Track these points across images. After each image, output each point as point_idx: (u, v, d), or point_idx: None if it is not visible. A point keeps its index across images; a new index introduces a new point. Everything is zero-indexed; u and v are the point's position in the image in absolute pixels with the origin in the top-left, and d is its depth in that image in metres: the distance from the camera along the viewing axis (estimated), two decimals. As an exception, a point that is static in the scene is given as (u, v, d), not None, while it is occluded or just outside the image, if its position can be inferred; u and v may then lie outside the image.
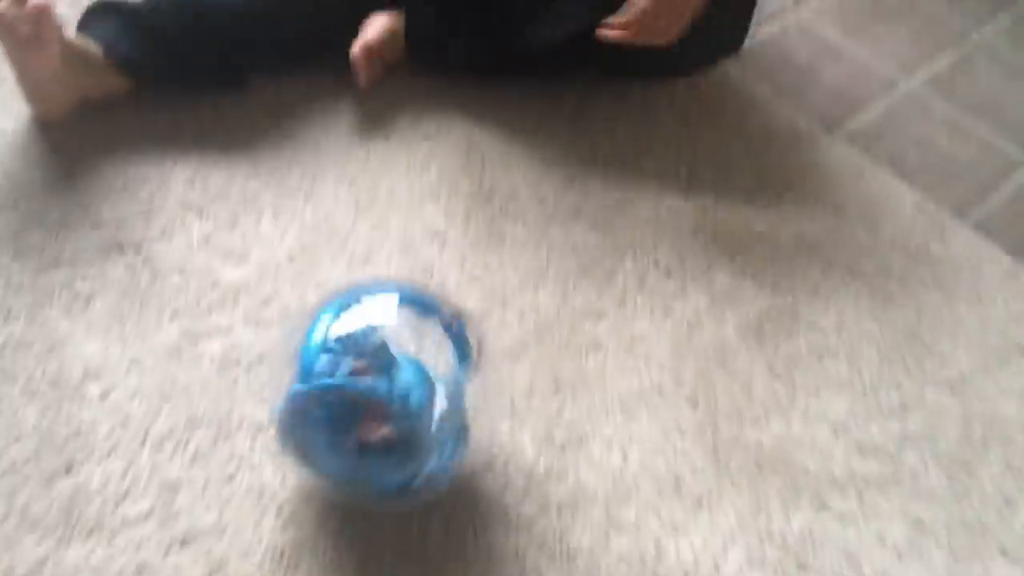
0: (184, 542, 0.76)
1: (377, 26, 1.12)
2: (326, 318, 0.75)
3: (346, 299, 0.77)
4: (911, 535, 0.85)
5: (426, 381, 0.74)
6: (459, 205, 1.05)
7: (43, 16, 0.91)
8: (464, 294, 0.96)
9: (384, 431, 0.72)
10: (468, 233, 1.02)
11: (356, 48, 1.10)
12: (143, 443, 0.81)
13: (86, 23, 1.05)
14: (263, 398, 0.84)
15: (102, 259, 0.93)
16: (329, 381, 0.72)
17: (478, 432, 0.78)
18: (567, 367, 0.93)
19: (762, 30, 1.36)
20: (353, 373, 0.72)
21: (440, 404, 0.73)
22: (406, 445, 0.74)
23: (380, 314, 0.77)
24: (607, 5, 1.04)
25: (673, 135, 1.17)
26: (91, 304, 0.90)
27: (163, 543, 0.76)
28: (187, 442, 0.82)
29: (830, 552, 0.83)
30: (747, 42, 1.30)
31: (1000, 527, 0.87)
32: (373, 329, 0.74)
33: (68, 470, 0.79)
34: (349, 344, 0.73)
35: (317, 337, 0.73)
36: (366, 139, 1.10)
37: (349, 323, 0.75)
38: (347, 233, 1.00)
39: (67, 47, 0.98)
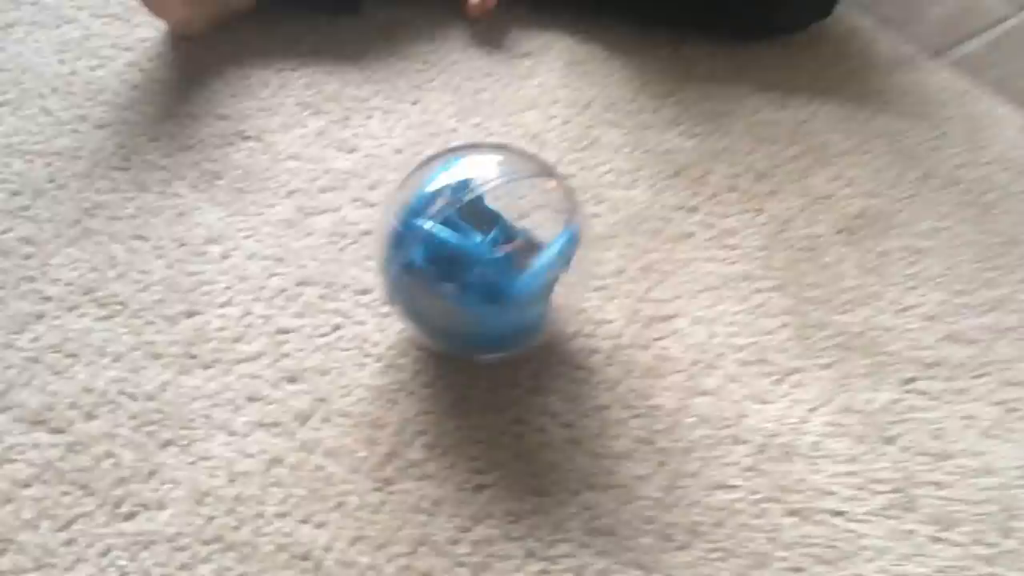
0: (292, 379, 0.82)
1: None
2: (433, 170, 0.79)
3: (454, 156, 0.81)
4: (1001, 416, 0.84)
5: (524, 237, 0.78)
6: (558, 112, 1.09)
7: None
8: (559, 185, 1.00)
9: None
10: (565, 135, 1.06)
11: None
12: (257, 297, 0.88)
13: None
14: (367, 266, 0.90)
15: (226, 145, 1.01)
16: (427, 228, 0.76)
17: (570, 296, 0.81)
18: (657, 253, 0.95)
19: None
20: (452, 220, 0.76)
21: (538, 262, 0.77)
22: (500, 296, 0.77)
23: (485, 169, 0.81)
24: None
25: (771, 59, 1.19)
26: (215, 181, 0.97)
27: (272, 378, 0.82)
28: (298, 296, 0.88)
29: (916, 428, 0.83)
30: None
31: (1098, 418, 0.85)
32: (477, 182, 0.78)
33: (190, 314, 0.86)
34: (452, 194, 0.78)
35: (423, 187, 0.78)
36: (471, 55, 1.15)
37: (454, 175, 0.79)
38: (449, 132, 1.05)
39: None
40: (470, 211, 0.77)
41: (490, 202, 0.78)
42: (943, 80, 1.19)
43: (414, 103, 1.09)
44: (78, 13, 1.13)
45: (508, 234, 0.77)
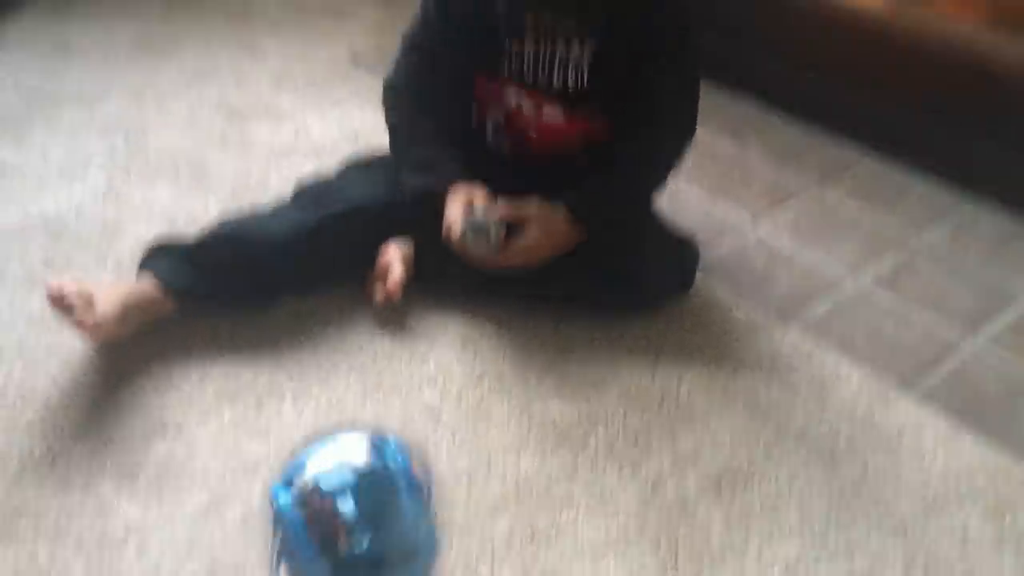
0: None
1: (396, 264, 1.32)
2: (300, 457, 0.92)
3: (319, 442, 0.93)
4: (855, 658, 0.93)
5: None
6: (452, 387, 1.22)
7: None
8: (454, 458, 1.11)
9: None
10: (460, 408, 1.19)
11: (388, 290, 1.30)
12: (171, 588, 0.95)
13: (144, 263, 1.27)
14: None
15: (148, 438, 1.11)
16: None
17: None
18: (543, 519, 1.06)
19: (723, 243, 1.57)
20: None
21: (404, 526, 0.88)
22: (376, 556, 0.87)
23: (351, 451, 0.92)
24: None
25: (641, 329, 1.35)
26: (136, 476, 1.06)
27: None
28: (209, 586, 0.95)
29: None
30: (709, 252, 1.52)
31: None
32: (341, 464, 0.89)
33: (106, 612, 0.92)
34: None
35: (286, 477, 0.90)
36: (374, 339, 1.29)
37: (321, 462, 0.91)
38: (354, 412, 1.17)
39: (128, 300, 1.19)
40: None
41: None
42: (792, 343, 1.36)
43: (322, 387, 1.21)
44: (15, 321, 1.25)
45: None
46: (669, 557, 1.03)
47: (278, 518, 0.89)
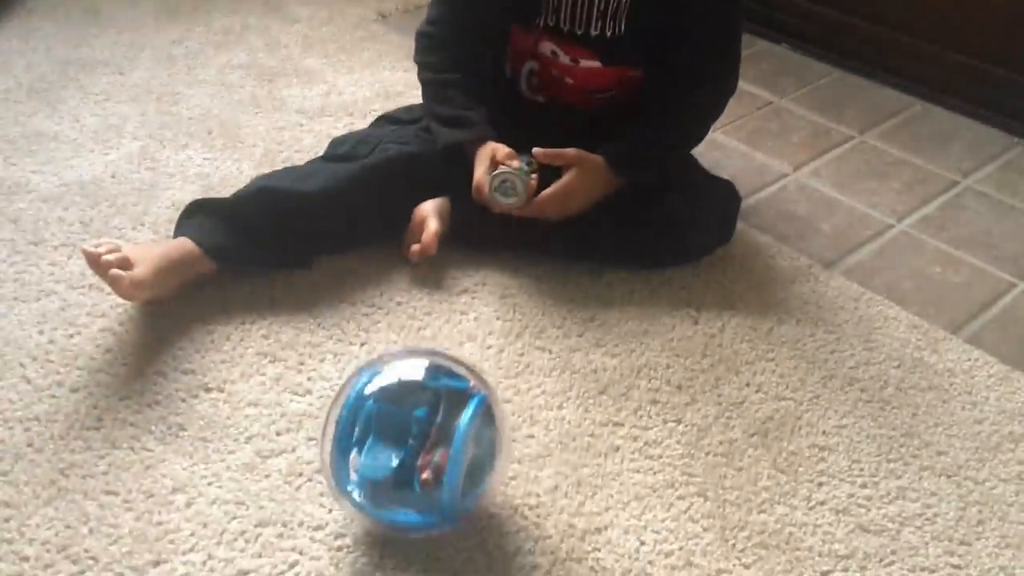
0: (252, 617, 0.88)
1: (432, 218, 1.30)
2: (362, 378, 0.93)
3: (379, 363, 0.95)
4: (911, 601, 0.92)
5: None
6: (493, 342, 1.21)
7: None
8: (496, 412, 1.10)
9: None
10: (501, 363, 1.18)
11: (422, 244, 1.28)
12: (219, 541, 0.95)
13: (181, 225, 1.27)
14: (321, 502, 0.99)
15: (191, 398, 1.11)
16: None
17: (494, 480, 0.94)
18: (587, 469, 1.05)
19: (764, 190, 1.54)
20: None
21: (462, 454, 0.89)
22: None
23: (410, 371, 0.95)
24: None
25: (682, 280, 1.33)
26: (180, 433, 1.06)
27: (234, 619, 0.88)
28: (257, 538, 0.95)
29: (834, 618, 0.90)
30: (751, 199, 1.49)
31: (1001, 595, 0.93)
32: (405, 383, 0.93)
33: (156, 564, 0.93)
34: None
35: (352, 393, 0.92)
36: (413, 296, 1.28)
37: (382, 380, 0.93)
38: (396, 369, 1.16)
39: (165, 260, 1.18)
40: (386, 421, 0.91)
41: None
42: (837, 288, 1.34)
43: (362, 345, 1.20)
44: (56, 286, 1.25)
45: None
46: (716, 504, 1.01)
47: (358, 406, 0.92)
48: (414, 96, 1.42)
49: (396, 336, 1.22)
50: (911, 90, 1.83)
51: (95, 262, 1.12)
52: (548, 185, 1.26)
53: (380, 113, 1.52)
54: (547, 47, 1.34)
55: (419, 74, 1.40)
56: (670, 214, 1.30)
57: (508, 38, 1.38)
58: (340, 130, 1.60)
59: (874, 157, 1.65)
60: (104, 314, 1.21)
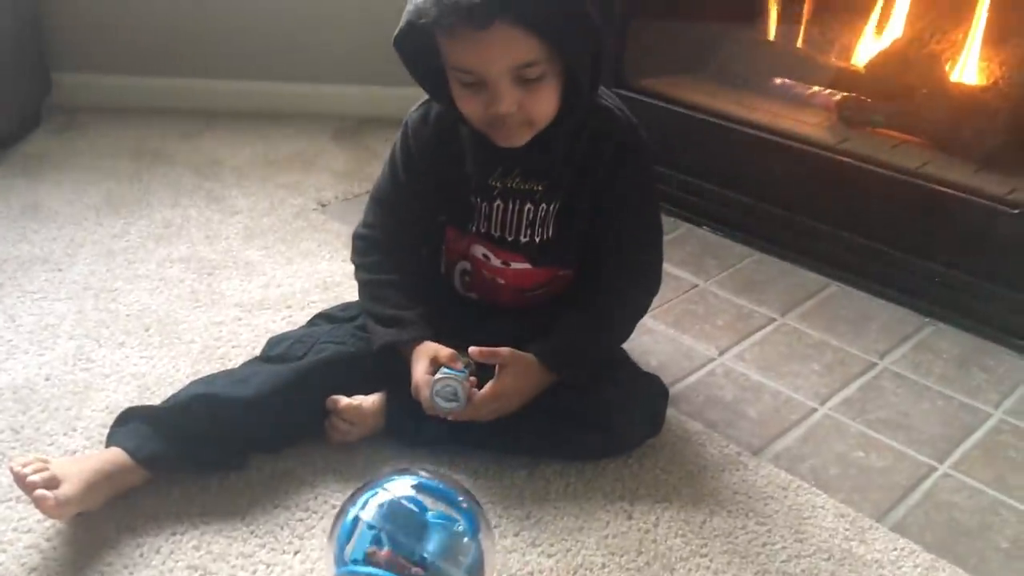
0: None
1: (361, 402, 1.34)
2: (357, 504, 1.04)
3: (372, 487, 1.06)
4: None
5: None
6: (428, 546, 1.21)
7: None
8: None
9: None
10: (436, 570, 1.17)
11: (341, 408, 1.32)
12: None
13: (113, 434, 1.26)
14: None
15: (117, 620, 1.08)
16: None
17: None
18: None
19: (690, 376, 1.59)
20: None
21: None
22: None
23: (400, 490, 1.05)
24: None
25: (615, 472, 1.35)
26: (105, 660, 1.03)
27: None
28: None
29: None
30: (680, 385, 1.54)
31: None
32: (396, 502, 1.03)
33: None
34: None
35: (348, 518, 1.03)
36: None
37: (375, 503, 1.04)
38: (330, 579, 1.15)
39: (95, 475, 1.17)
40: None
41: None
42: (766, 476, 1.37)
43: (296, 553, 1.19)
44: (-19, 502, 1.23)
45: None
46: None
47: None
48: (351, 288, 1.46)
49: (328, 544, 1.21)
50: (826, 272, 1.93)
51: (21, 482, 1.11)
52: (483, 381, 1.29)
53: (318, 305, 1.56)
54: (479, 250, 1.41)
55: (356, 274, 1.44)
56: (601, 410, 1.34)
57: (443, 237, 1.44)
58: (279, 323, 1.63)
59: (795, 339, 1.72)
60: (31, 529, 1.19)
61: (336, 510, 1.23)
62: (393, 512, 1.04)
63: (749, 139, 1.98)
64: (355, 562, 1.01)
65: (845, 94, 2.04)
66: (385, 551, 1.01)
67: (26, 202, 2.01)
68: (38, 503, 1.11)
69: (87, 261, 1.81)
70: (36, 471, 1.12)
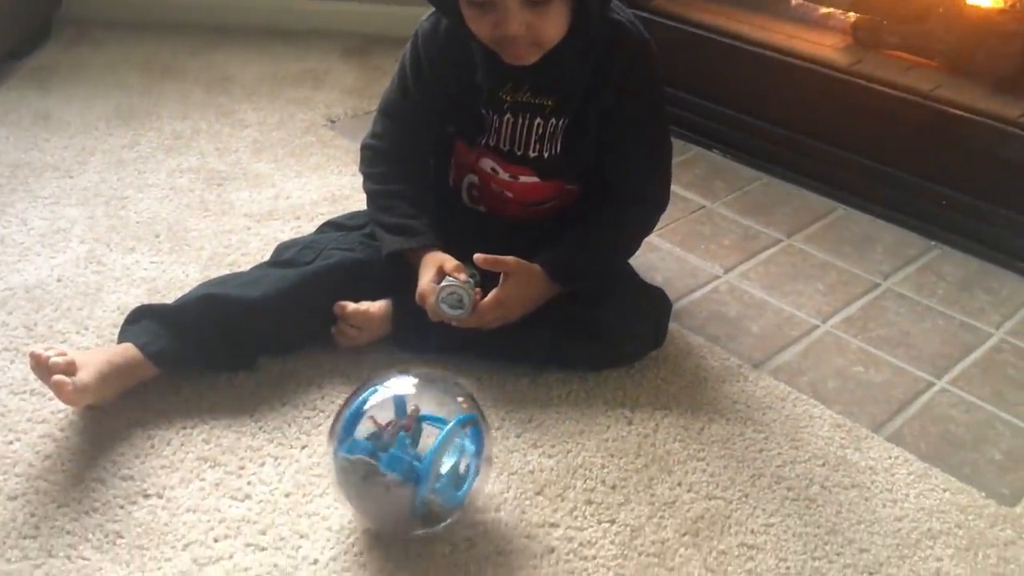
0: None
1: (369, 307, 1.36)
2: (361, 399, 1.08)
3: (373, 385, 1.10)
4: None
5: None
6: (432, 444, 1.23)
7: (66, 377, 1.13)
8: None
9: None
10: (439, 466, 1.20)
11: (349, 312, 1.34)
12: (154, 651, 0.95)
13: (125, 331, 1.29)
14: (258, 610, 0.99)
15: (130, 504, 1.11)
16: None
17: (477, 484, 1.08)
18: (523, 572, 1.07)
19: (695, 292, 1.61)
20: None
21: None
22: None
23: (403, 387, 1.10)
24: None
25: (617, 381, 1.37)
26: (118, 541, 1.07)
27: None
28: (191, 648, 0.95)
29: None
30: (683, 301, 1.55)
31: None
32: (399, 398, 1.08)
33: (89, 676, 0.92)
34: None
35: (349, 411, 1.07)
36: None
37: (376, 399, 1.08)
38: (336, 473, 1.18)
39: (108, 367, 1.20)
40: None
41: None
42: (765, 388, 1.39)
43: (303, 448, 1.22)
44: (-3, 388, 1.26)
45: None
46: (649, 605, 1.04)
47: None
48: (360, 200, 1.47)
49: (337, 439, 1.24)
50: (834, 195, 1.93)
51: (42, 365, 1.13)
52: (487, 292, 1.31)
53: (327, 217, 1.57)
54: (487, 163, 1.41)
55: (364, 184, 1.45)
56: (604, 322, 1.35)
57: (452, 150, 1.44)
58: (287, 234, 1.64)
59: (800, 260, 1.73)
60: (45, 420, 1.22)
61: (337, 407, 1.26)
62: (395, 406, 1.07)
63: (762, 60, 1.96)
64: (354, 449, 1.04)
65: (860, 15, 2.01)
66: (385, 436, 1.04)
67: (37, 112, 2.02)
68: (56, 388, 1.13)
69: (97, 169, 1.82)
70: (58, 354, 1.14)
